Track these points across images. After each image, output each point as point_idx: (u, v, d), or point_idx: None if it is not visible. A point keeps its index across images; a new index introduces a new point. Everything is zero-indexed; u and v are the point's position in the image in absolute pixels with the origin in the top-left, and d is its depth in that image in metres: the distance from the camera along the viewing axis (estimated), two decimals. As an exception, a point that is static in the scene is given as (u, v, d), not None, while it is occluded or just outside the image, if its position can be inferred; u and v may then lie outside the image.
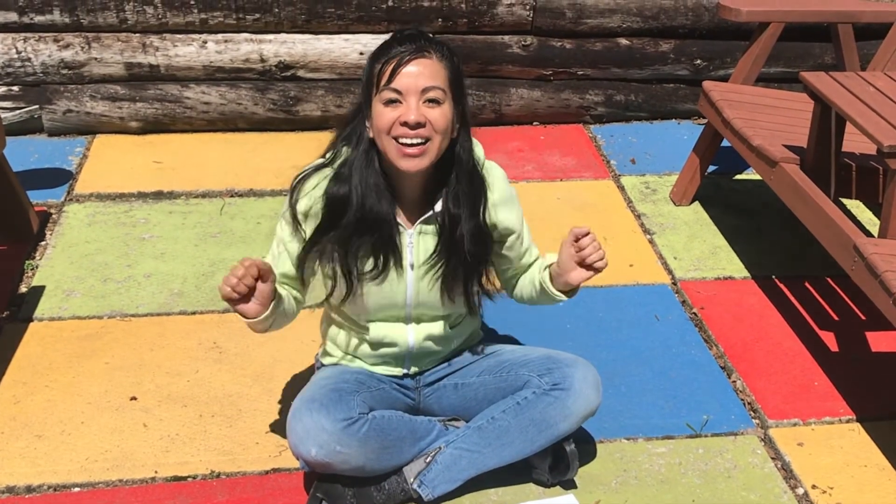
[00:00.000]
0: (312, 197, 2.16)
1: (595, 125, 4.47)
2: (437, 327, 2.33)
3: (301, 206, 2.17)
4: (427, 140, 2.06)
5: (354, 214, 2.14)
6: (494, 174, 2.27)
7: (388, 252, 2.18)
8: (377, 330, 2.28)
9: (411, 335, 2.31)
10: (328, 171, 2.17)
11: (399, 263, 2.20)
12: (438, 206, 2.18)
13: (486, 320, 2.60)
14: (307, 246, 2.19)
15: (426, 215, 2.20)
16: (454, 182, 2.17)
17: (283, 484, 2.40)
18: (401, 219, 2.20)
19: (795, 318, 3.14)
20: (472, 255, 2.21)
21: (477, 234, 2.21)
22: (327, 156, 2.20)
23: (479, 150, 2.26)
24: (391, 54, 2.05)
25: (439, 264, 2.21)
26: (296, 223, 2.18)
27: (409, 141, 2.05)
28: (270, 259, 2.26)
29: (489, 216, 2.24)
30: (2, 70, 4.01)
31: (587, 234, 2.17)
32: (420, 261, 2.21)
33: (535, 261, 2.40)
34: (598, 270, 2.20)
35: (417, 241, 2.21)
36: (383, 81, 2.04)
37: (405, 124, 2.04)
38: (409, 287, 2.22)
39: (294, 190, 2.18)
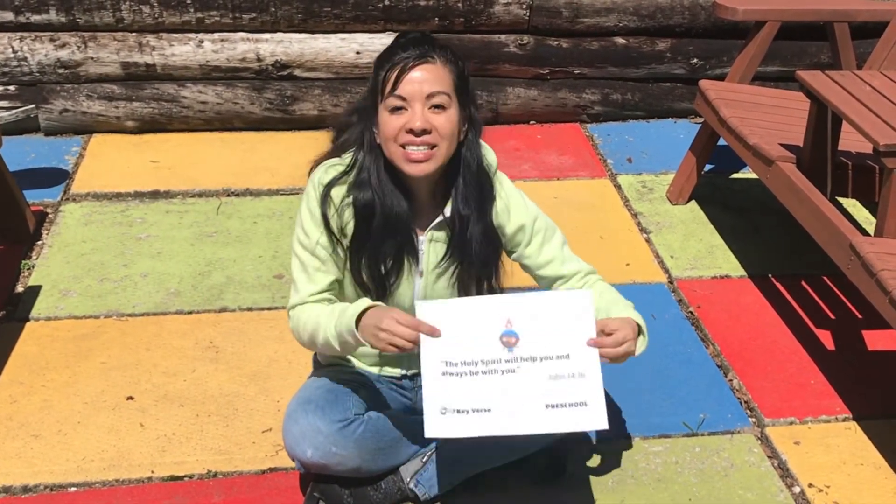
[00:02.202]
0: (342, 207, 2.14)
1: (592, 124, 4.48)
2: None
3: (334, 221, 2.14)
4: (433, 146, 2.05)
5: (379, 219, 2.13)
6: (503, 181, 2.27)
7: (409, 255, 2.18)
8: None
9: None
10: (349, 179, 2.15)
11: (413, 268, 2.20)
12: (448, 211, 2.17)
13: (483, 319, 2.60)
14: (351, 257, 2.17)
15: (436, 221, 2.18)
16: (462, 185, 2.16)
17: (280, 483, 2.40)
18: (413, 224, 2.19)
19: (792, 316, 3.15)
20: (481, 256, 2.20)
21: (486, 236, 2.20)
22: (346, 160, 2.17)
23: (491, 156, 2.25)
24: (395, 61, 2.04)
25: (453, 267, 2.20)
26: (332, 236, 2.15)
27: (415, 148, 2.05)
28: (303, 277, 2.19)
29: (496, 218, 2.23)
30: (-2, 69, 4.01)
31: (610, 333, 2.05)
32: (430, 267, 2.20)
33: (577, 274, 2.30)
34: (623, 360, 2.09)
35: (428, 249, 2.20)
36: (388, 88, 2.03)
37: (411, 131, 2.03)
38: (415, 292, 2.22)
39: (323, 203, 2.14)
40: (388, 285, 2.18)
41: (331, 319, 2.09)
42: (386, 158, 2.11)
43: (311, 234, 2.16)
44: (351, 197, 2.13)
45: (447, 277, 2.21)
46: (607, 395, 2.68)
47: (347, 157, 2.17)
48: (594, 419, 1.96)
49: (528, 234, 2.27)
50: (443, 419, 1.94)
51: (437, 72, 2.05)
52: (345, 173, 2.15)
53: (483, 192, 2.18)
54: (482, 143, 2.23)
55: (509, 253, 2.31)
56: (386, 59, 2.07)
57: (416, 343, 1.97)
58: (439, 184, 2.17)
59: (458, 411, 1.94)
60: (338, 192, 2.14)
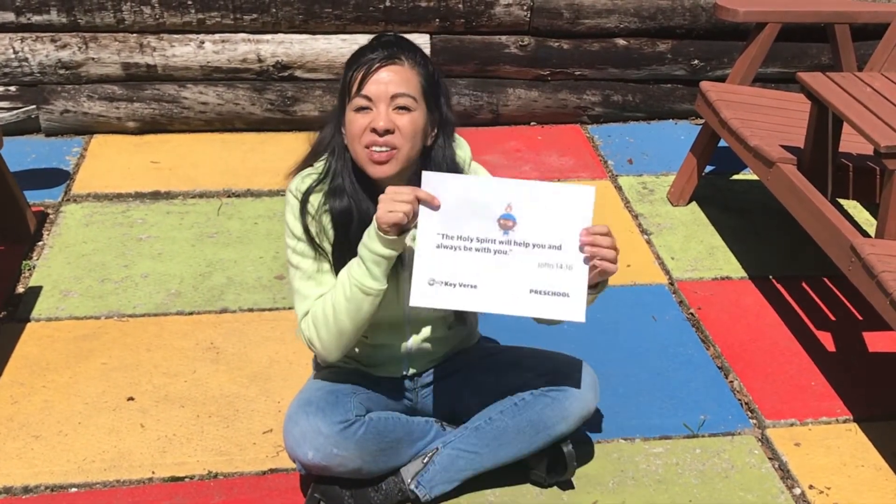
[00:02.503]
0: (319, 214, 2.15)
1: (592, 125, 4.48)
2: (435, 329, 2.33)
3: (314, 228, 2.15)
4: (395, 148, 2.06)
5: (357, 224, 2.13)
6: (479, 173, 2.27)
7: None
8: (376, 334, 2.27)
9: (409, 338, 2.31)
10: (324, 186, 2.16)
11: (398, 267, 2.19)
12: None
13: (484, 321, 2.60)
14: (335, 262, 2.17)
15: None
16: None
17: (281, 484, 2.40)
18: None
19: (792, 318, 3.15)
20: None
21: None
22: (319, 168, 2.18)
23: (465, 151, 2.25)
24: (362, 61, 2.05)
25: None
26: (315, 246, 2.16)
27: (378, 148, 2.05)
28: (308, 284, 2.19)
29: None
30: (-1, 70, 4.01)
31: (605, 232, 2.07)
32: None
33: None
34: (608, 269, 2.07)
35: (408, 249, 2.20)
36: (354, 88, 2.05)
37: (374, 131, 2.04)
38: (401, 292, 2.21)
39: (302, 213, 2.15)
40: None
41: (344, 276, 2.10)
42: (353, 161, 2.12)
43: (300, 242, 2.17)
44: (328, 205, 2.14)
45: None
46: (606, 397, 2.70)
47: (321, 164, 2.18)
48: (573, 312, 2.04)
49: None
50: (429, 289, 2.01)
51: (404, 73, 2.06)
52: (320, 181, 2.16)
53: None
54: (457, 137, 2.23)
55: None
56: (354, 59, 2.08)
57: (415, 210, 1.99)
58: (412, 185, 2.16)
59: (446, 284, 2.01)
60: (315, 199, 2.16)
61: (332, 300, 2.12)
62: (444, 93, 2.17)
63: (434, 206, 2.01)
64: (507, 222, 2.01)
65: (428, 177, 2.01)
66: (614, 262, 2.06)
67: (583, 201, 2.02)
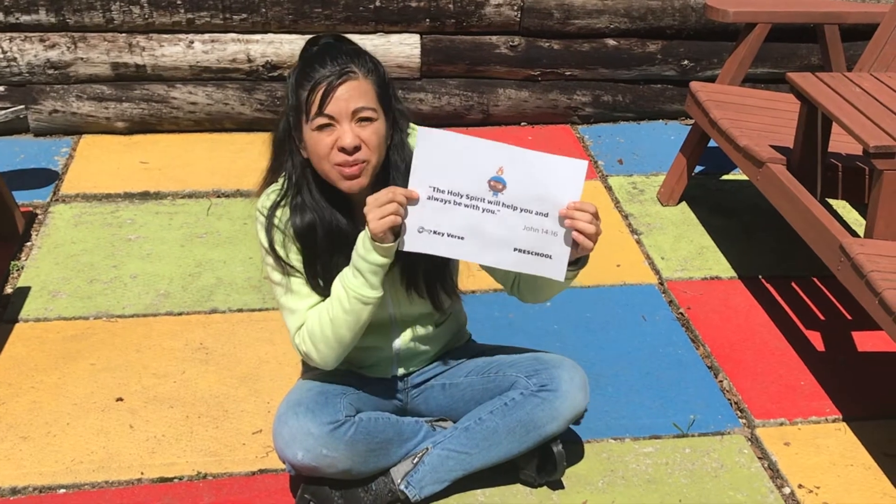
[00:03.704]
0: (287, 229, 2.15)
1: (582, 125, 4.48)
2: (423, 327, 2.33)
3: (279, 244, 2.16)
4: (365, 161, 2.06)
5: (323, 238, 2.14)
6: None
7: None
8: (363, 336, 2.26)
9: (397, 338, 2.31)
10: (285, 202, 2.15)
11: None
12: None
13: (474, 321, 2.60)
14: (307, 276, 2.17)
15: None
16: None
17: (270, 485, 2.39)
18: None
19: (782, 317, 3.15)
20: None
21: None
22: (282, 185, 2.17)
23: (415, 136, 2.23)
24: (316, 79, 2.02)
25: (397, 264, 2.19)
26: (282, 263, 2.16)
27: (348, 164, 2.05)
28: (293, 299, 2.19)
29: None
30: (-13, 70, 4.00)
31: (593, 210, 2.06)
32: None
33: None
34: (583, 244, 2.05)
35: None
36: (314, 110, 2.02)
37: (343, 150, 2.03)
38: (388, 293, 2.21)
39: (268, 230, 2.15)
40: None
41: (339, 290, 2.10)
42: (316, 175, 2.12)
43: (273, 258, 2.17)
44: (291, 221, 2.14)
45: (393, 276, 2.20)
46: (595, 397, 2.70)
47: (282, 180, 2.18)
48: (554, 271, 2.09)
49: None
50: (419, 236, 2.06)
51: (361, 87, 2.04)
52: (283, 195, 2.16)
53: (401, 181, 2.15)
54: (414, 126, 2.20)
55: None
56: (305, 77, 2.04)
57: (402, 206, 2.01)
58: (375, 188, 2.16)
59: (434, 232, 2.06)
60: (282, 214, 2.16)
61: (330, 315, 2.13)
62: (393, 90, 2.16)
63: (414, 200, 2.03)
64: (497, 184, 2.04)
65: (423, 133, 2.02)
66: (591, 239, 2.04)
67: (574, 174, 2.04)
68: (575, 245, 2.06)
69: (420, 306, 2.28)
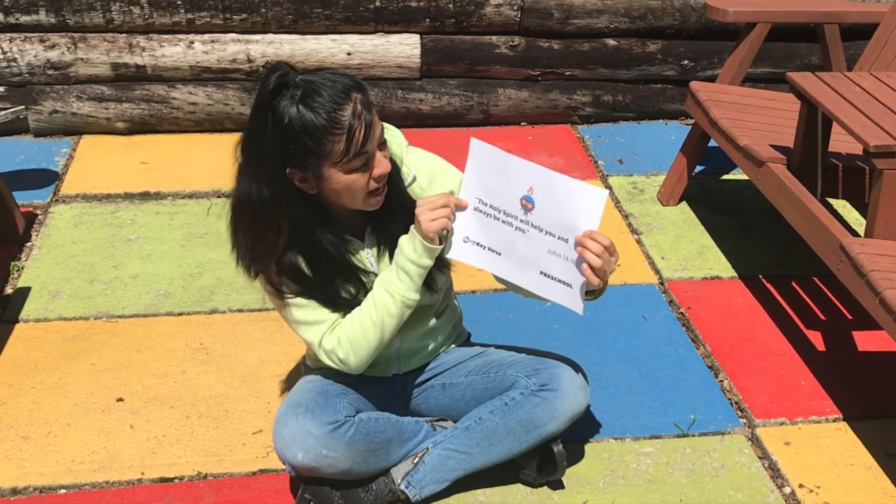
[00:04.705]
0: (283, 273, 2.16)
1: (583, 125, 4.48)
2: (423, 321, 2.33)
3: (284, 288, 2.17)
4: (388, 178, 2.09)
5: (326, 269, 2.14)
6: (418, 156, 2.25)
7: (360, 283, 2.19)
8: None
9: (397, 335, 2.31)
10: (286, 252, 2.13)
11: (368, 277, 2.20)
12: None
13: (474, 321, 2.60)
14: (317, 295, 2.17)
15: (368, 228, 2.20)
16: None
17: (271, 485, 2.39)
18: (353, 236, 2.19)
19: (782, 317, 3.15)
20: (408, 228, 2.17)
21: (407, 209, 2.15)
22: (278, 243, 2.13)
23: (398, 139, 2.22)
24: (344, 126, 1.94)
25: (388, 251, 2.20)
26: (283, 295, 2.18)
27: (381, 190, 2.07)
28: (312, 311, 2.18)
29: (423, 193, 2.20)
30: (-13, 70, 4.00)
31: (607, 244, 2.05)
32: (385, 265, 2.22)
33: None
34: (588, 278, 2.05)
35: (375, 254, 2.22)
36: (352, 152, 1.97)
37: (381, 177, 2.05)
38: None
39: (277, 289, 2.17)
40: (362, 299, 2.20)
41: (383, 295, 2.13)
42: (324, 211, 2.11)
43: (289, 289, 2.16)
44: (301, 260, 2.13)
45: (387, 263, 2.21)
46: (596, 396, 2.70)
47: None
48: (573, 302, 2.12)
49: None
50: (463, 246, 2.13)
51: (373, 114, 2.02)
52: (287, 248, 2.13)
53: (394, 180, 2.15)
54: (387, 126, 2.18)
55: None
56: (333, 126, 1.94)
57: (452, 210, 2.08)
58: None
59: (478, 244, 2.13)
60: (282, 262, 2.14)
61: (374, 319, 2.14)
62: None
63: (462, 208, 2.09)
64: (527, 203, 2.08)
65: (475, 145, 2.09)
66: (596, 274, 2.04)
67: (593, 203, 2.05)
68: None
69: (423, 301, 2.28)
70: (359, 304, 2.18)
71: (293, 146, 1.97)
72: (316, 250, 2.13)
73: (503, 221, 2.09)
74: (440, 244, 2.09)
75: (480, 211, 2.10)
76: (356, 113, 1.96)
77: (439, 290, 2.32)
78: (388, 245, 2.20)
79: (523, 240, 2.09)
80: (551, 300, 2.14)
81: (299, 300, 2.17)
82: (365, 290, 2.19)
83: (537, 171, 2.06)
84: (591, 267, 2.04)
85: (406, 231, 2.13)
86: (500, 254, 2.12)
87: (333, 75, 2.00)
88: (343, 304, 2.19)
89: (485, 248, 2.12)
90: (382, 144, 2.05)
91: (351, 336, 2.16)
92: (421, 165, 2.23)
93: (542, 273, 2.11)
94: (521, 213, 2.08)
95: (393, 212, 2.15)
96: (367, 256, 2.21)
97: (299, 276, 2.14)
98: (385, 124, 2.16)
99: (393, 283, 2.12)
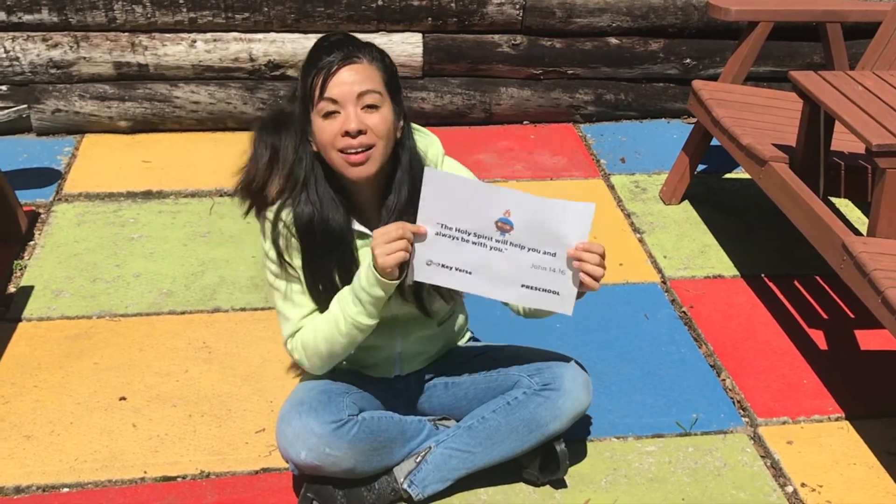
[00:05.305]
0: (289, 230, 2.14)
1: (585, 124, 4.48)
2: (427, 327, 2.33)
3: (283, 246, 2.15)
4: (370, 147, 2.05)
5: (321, 236, 2.12)
6: (454, 169, 2.25)
7: (350, 266, 2.17)
8: (366, 337, 2.26)
9: (399, 339, 2.31)
10: (297, 198, 2.13)
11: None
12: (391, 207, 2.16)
13: (475, 320, 2.60)
14: (306, 280, 2.17)
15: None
16: (397, 186, 2.15)
17: (273, 484, 2.40)
18: (363, 227, 2.18)
19: (784, 316, 3.15)
20: None
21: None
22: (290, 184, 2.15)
23: (436, 146, 2.24)
24: (320, 65, 2.02)
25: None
26: (284, 266, 2.16)
27: (353, 150, 2.04)
28: (288, 305, 2.20)
29: None
30: (-10, 69, 4.00)
31: (601, 252, 2.09)
32: None
33: None
34: (588, 285, 2.10)
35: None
36: (317, 94, 2.02)
37: (347, 134, 2.02)
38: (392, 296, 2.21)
39: (273, 232, 2.15)
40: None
41: (338, 312, 2.11)
42: (326, 168, 2.11)
43: (273, 263, 2.17)
44: (295, 218, 2.12)
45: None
46: (598, 395, 2.70)
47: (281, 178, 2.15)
48: (562, 307, 2.15)
49: None
50: (427, 268, 2.08)
51: (366, 71, 2.04)
52: (290, 195, 2.14)
53: (416, 187, 2.11)
54: (425, 131, 2.23)
55: None
56: (311, 64, 2.05)
57: (410, 241, 2.02)
58: (383, 184, 2.16)
59: (443, 266, 2.08)
60: (287, 215, 2.14)
61: (325, 333, 2.14)
62: (399, 84, 2.15)
63: (422, 235, 2.03)
64: (504, 225, 2.06)
65: (430, 175, 2.02)
66: (596, 280, 2.09)
67: (582, 218, 2.07)
68: (581, 283, 2.10)
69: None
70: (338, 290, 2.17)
71: (301, 83, 2.07)
72: (320, 215, 2.11)
73: (474, 243, 2.06)
74: (399, 275, 2.03)
75: (444, 235, 2.05)
76: (335, 58, 2.01)
77: (439, 313, 2.33)
78: None
79: (502, 258, 2.08)
80: (534, 306, 2.16)
81: (292, 289, 2.18)
82: (349, 276, 2.16)
83: (514, 197, 2.04)
84: (591, 276, 2.08)
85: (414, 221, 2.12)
86: (470, 273, 2.09)
87: (366, 42, 2.08)
88: (325, 291, 2.16)
89: (451, 268, 2.08)
90: (370, 108, 2.03)
91: (305, 343, 2.19)
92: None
93: (524, 286, 2.11)
94: (496, 234, 2.06)
95: (406, 202, 2.14)
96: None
97: (306, 231, 2.12)
98: (424, 130, 2.20)
99: (347, 305, 2.11)
